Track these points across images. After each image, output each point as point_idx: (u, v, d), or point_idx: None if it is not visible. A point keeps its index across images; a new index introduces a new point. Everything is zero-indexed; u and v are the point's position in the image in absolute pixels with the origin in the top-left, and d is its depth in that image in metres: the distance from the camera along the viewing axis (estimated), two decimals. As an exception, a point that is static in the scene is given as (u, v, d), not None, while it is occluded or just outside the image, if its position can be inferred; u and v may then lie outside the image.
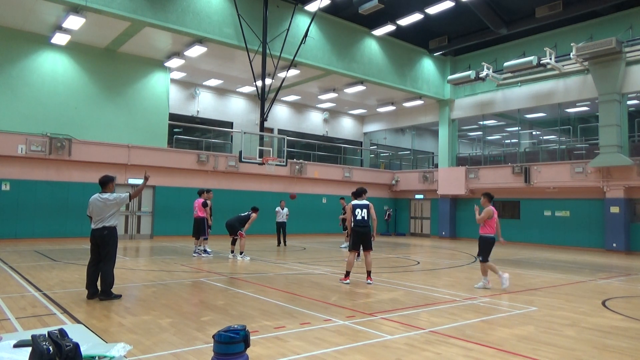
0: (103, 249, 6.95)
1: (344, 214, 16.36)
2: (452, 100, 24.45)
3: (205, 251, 13.11)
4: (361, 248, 9.17)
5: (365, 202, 9.14)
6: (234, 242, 12.87)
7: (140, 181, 17.53)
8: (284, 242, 17.25)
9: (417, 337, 5.23)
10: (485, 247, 8.80)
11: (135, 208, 18.70)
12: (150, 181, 18.23)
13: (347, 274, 8.98)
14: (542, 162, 20.69)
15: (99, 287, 6.92)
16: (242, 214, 12.86)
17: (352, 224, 9.06)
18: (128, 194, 7.17)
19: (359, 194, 9.23)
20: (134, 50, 18.50)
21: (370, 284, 8.83)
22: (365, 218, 8.98)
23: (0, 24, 16.21)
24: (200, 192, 13.34)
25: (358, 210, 9.00)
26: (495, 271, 8.77)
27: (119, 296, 6.95)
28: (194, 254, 13.04)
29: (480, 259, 8.82)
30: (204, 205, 12.97)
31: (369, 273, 8.99)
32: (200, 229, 12.91)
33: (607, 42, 17.07)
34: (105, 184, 7.14)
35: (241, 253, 12.56)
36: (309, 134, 26.93)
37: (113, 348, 2.35)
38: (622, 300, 7.92)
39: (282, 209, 17.23)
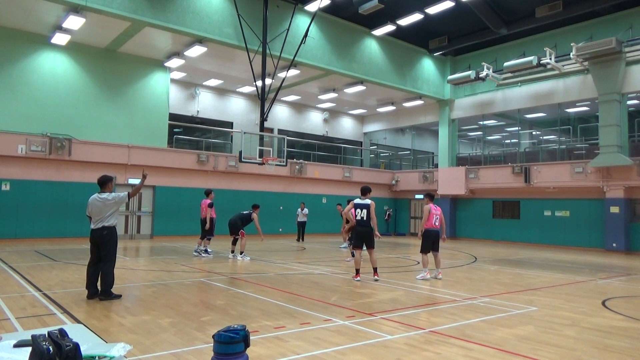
0: (103, 249, 6.93)
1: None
2: (452, 100, 24.44)
3: (205, 251, 13.11)
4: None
5: (367, 201, 9.29)
6: (234, 242, 12.86)
7: (138, 181, 17.58)
8: (302, 238, 19.48)
9: (417, 337, 5.23)
10: (423, 240, 9.78)
11: (135, 208, 18.70)
12: (150, 181, 18.45)
13: (357, 272, 9.36)
14: (542, 162, 20.68)
15: (99, 287, 6.92)
16: (244, 212, 12.84)
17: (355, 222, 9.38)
18: (127, 193, 7.19)
19: (363, 192, 9.45)
20: (134, 50, 18.49)
21: (377, 280, 9.09)
22: (365, 218, 9.21)
23: (0, 24, 16.21)
24: (207, 193, 13.32)
25: (358, 211, 9.27)
26: (424, 264, 9.71)
27: (119, 296, 6.95)
28: (194, 253, 13.06)
29: (420, 250, 9.84)
30: (210, 206, 12.94)
31: (375, 270, 9.27)
32: (207, 229, 12.87)
33: (607, 42, 17.06)
34: (104, 183, 7.13)
35: (241, 253, 12.56)
36: (309, 134, 26.92)
37: (113, 348, 2.35)
38: (622, 300, 7.92)
39: (302, 210, 19.52)
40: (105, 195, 7.00)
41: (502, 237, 21.91)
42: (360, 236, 9.27)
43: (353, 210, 9.33)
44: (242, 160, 16.49)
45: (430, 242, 9.76)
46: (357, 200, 9.36)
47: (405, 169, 28.72)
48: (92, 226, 6.97)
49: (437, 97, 24.16)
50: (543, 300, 7.64)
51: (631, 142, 18.70)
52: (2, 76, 16.35)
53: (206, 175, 20.17)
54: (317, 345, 4.78)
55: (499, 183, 21.67)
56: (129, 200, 7.25)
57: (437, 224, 9.76)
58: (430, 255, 9.89)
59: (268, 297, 7.31)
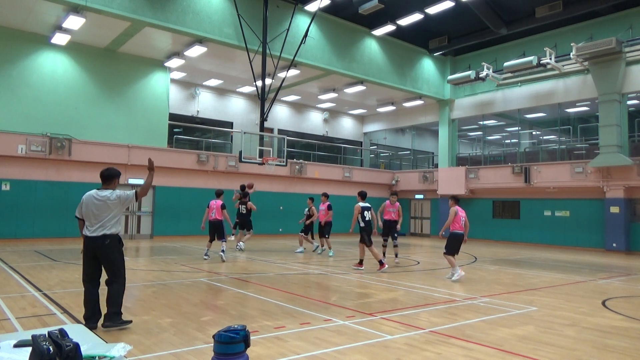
0: (107, 263, 5.43)
1: (308, 211, 15.79)
2: (452, 100, 24.44)
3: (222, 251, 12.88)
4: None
5: (367, 204, 10.92)
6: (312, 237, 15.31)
7: (140, 181, 17.49)
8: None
9: (417, 337, 5.23)
10: (451, 242, 9.87)
11: (135, 208, 18.68)
12: (150, 181, 18.40)
13: (381, 262, 10.66)
14: (542, 162, 20.68)
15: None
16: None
17: (361, 223, 10.66)
18: (134, 191, 5.53)
19: (363, 196, 11.12)
20: (134, 50, 18.49)
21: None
22: (370, 219, 10.82)
23: (0, 24, 16.21)
24: (219, 194, 12.56)
25: (366, 213, 10.76)
26: (452, 265, 9.78)
27: (129, 322, 5.45)
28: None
29: (445, 251, 9.88)
30: (223, 207, 12.32)
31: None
32: (223, 231, 12.29)
33: (607, 42, 17.07)
34: (110, 178, 5.57)
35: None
36: (309, 134, 26.92)
37: (113, 348, 2.34)
38: (622, 300, 7.92)
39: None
40: (107, 192, 5.44)
41: (502, 237, 21.90)
42: (369, 234, 10.74)
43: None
44: (242, 160, 16.49)
45: (459, 245, 9.88)
46: (362, 204, 10.90)
47: (405, 169, 28.70)
48: (88, 233, 5.40)
49: (437, 97, 24.16)
50: (543, 300, 7.64)
51: (631, 142, 18.70)
52: (2, 76, 16.35)
53: (206, 175, 20.17)
54: (317, 345, 4.78)
55: (499, 183, 21.67)
56: (136, 200, 5.58)
57: (463, 226, 9.89)
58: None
59: (268, 297, 7.31)
